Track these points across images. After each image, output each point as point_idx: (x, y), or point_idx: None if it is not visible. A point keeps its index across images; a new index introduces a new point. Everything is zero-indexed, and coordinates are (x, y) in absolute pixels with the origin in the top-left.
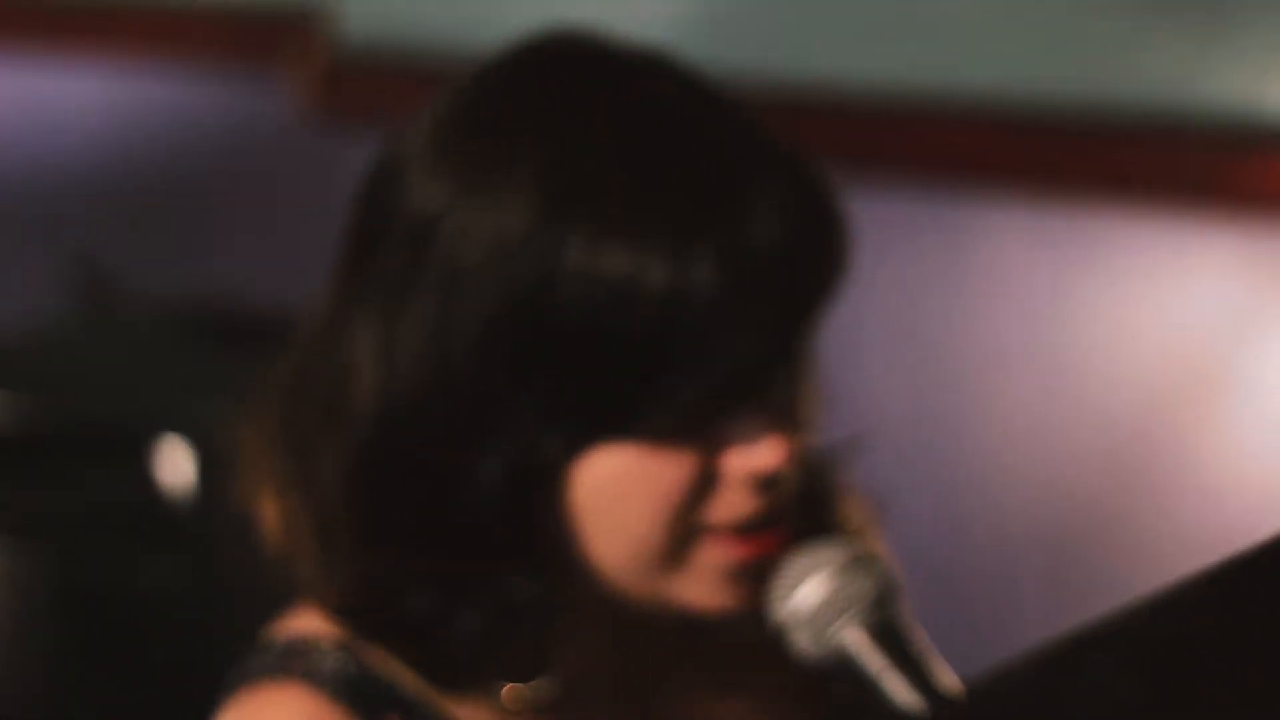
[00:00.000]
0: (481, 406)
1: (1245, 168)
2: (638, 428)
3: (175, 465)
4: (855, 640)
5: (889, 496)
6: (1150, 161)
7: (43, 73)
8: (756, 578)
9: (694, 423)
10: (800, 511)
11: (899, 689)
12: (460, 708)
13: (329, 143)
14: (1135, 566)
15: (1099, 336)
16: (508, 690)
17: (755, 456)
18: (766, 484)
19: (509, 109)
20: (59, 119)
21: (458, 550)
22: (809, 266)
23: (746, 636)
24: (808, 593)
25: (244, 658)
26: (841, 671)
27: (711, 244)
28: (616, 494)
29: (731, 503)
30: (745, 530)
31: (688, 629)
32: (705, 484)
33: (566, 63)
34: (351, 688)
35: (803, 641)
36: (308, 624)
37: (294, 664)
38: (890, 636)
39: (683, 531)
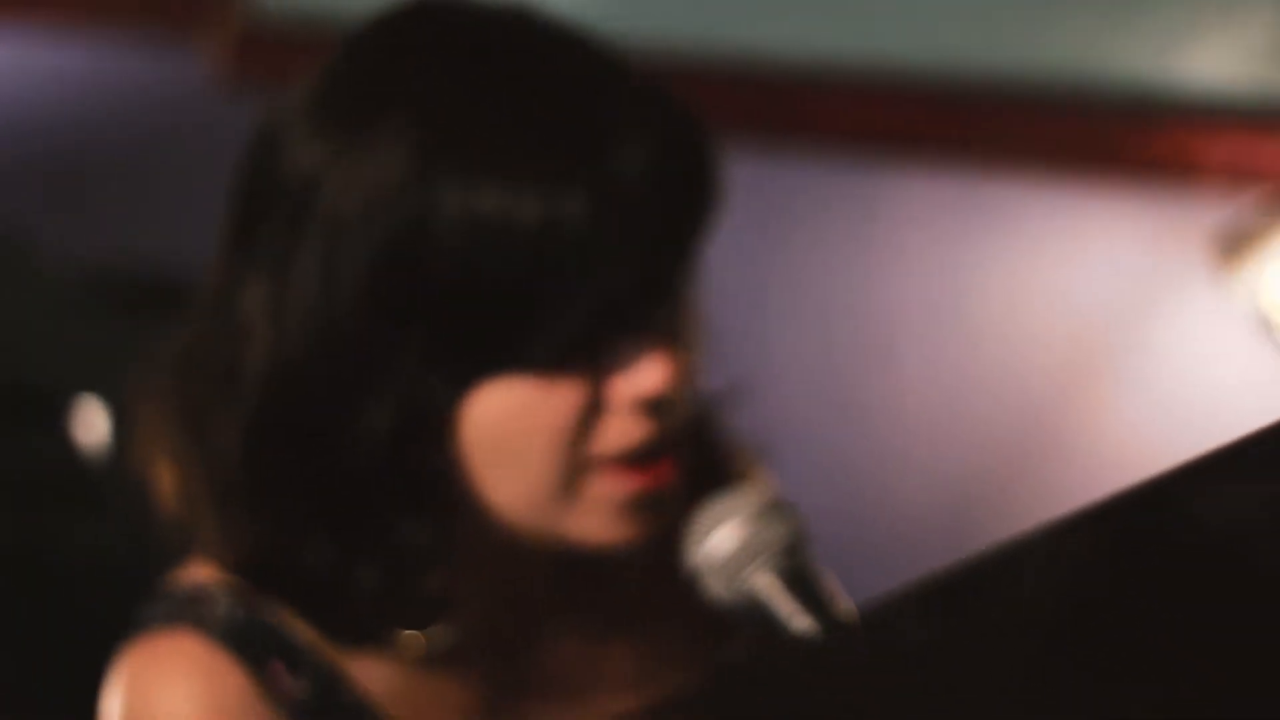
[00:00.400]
0: (367, 355)
1: (1146, 138)
2: (522, 363)
3: (91, 425)
4: (767, 585)
5: (787, 446)
6: (1054, 132)
7: None
8: (651, 511)
9: (577, 354)
10: (695, 454)
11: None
12: (354, 657)
13: (244, 109)
14: (1033, 516)
15: (1000, 301)
16: (405, 638)
17: (639, 380)
18: (653, 407)
19: (379, 68)
20: None
21: (353, 502)
22: (678, 196)
23: (641, 582)
24: (721, 539)
25: (142, 606)
26: (753, 615)
27: (581, 178)
28: (506, 429)
29: (621, 430)
30: (636, 460)
31: (583, 575)
32: (593, 413)
33: (432, 21)
34: (241, 635)
35: (716, 587)
36: (206, 572)
37: (187, 611)
38: (801, 582)
39: (575, 464)
